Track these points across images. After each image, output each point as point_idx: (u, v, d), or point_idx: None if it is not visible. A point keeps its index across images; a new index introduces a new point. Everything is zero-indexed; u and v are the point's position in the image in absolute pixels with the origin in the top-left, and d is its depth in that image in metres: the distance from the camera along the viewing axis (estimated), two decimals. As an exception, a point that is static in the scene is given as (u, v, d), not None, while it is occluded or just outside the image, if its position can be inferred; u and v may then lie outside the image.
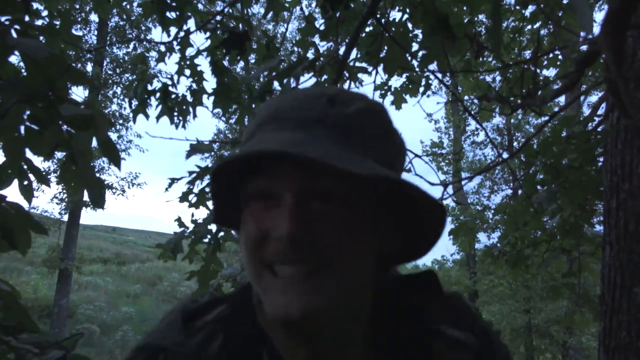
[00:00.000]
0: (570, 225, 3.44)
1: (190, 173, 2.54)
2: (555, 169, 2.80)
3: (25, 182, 1.63)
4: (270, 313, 0.55)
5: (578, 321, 4.55)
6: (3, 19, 1.59)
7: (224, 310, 0.65)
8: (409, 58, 2.37)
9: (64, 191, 14.04)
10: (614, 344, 2.18)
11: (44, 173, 1.69)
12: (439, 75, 2.86)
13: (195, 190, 2.62)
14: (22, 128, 1.45)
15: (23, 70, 1.48)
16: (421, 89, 3.26)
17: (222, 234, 2.55)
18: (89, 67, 13.17)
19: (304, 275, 0.53)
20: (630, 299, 2.13)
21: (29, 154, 1.55)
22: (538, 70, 3.68)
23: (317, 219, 0.54)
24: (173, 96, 2.99)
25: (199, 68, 3.00)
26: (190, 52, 2.98)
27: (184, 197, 2.63)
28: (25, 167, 1.59)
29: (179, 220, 2.65)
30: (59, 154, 1.76)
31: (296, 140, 0.54)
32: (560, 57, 3.71)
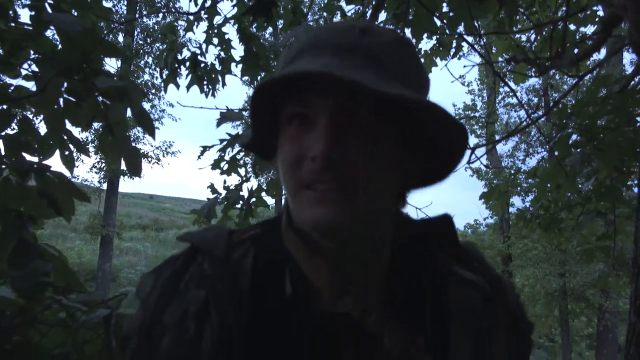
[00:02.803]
0: (606, 187, 3.37)
1: (221, 141, 2.59)
2: (590, 130, 2.73)
3: (66, 152, 1.71)
4: (303, 223, 0.61)
5: (613, 284, 4.50)
6: (38, -6, 1.63)
7: (256, 232, 0.72)
8: (437, 20, 2.32)
9: (103, 160, 14.48)
10: (645, 305, 2.16)
11: (82, 143, 1.77)
12: (469, 38, 2.79)
13: (227, 157, 2.68)
14: (61, 101, 1.52)
15: (58, 44, 1.54)
16: (452, 52, 3.20)
17: (253, 199, 2.61)
18: (120, 38, 13.32)
19: (336, 191, 0.58)
20: (663, 261, 2.10)
21: (68, 125, 1.63)
22: (576, 28, 3.53)
23: (350, 141, 0.59)
24: (202, 65, 3.02)
25: (226, 36, 3.01)
26: (217, 20, 2.99)
27: (215, 165, 2.69)
28: (65, 138, 1.67)
29: (211, 187, 2.73)
30: (96, 125, 1.84)
31: (335, 64, 0.57)
32: (599, 13, 3.55)
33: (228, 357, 0.60)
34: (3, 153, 1.59)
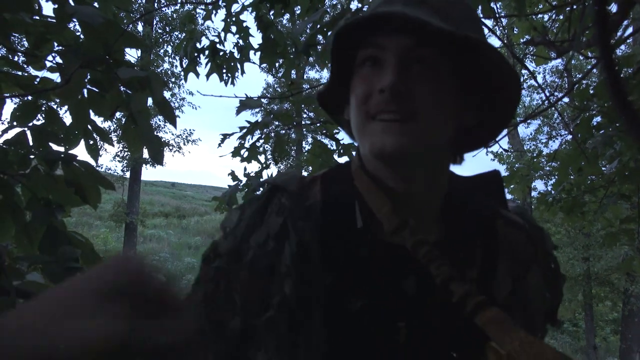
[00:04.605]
0: (629, 169, 3.31)
1: (241, 128, 2.62)
2: (612, 111, 2.68)
3: (91, 142, 1.76)
4: (369, 149, 0.69)
5: (637, 267, 4.43)
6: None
7: (328, 171, 0.82)
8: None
9: (125, 149, 14.72)
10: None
11: (106, 133, 1.82)
12: (488, 22, 2.75)
13: (247, 145, 2.72)
14: (85, 91, 1.56)
15: (81, 36, 1.57)
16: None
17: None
18: (140, 27, 13.43)
19: (400, 121, 0.66)
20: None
21: (92, 115, 1.67)
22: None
23: (415, 78, 0.67)
24: (221, 53, 3.04)
25: (244, 24, 3.03)
26: (235, 8, 3.01)
27: (236, 152, 2.73)
28: (90, 127, 1.71)
29: (232, 174, 2.77)
30: (118, 114, 1.88)
31: (407, 11, 0.65)
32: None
33: (305, 269, 0.68)
34: (31, 143, 1.65)
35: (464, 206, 0.76)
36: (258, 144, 2.78)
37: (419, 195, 0.73)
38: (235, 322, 0.71)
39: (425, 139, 0.67)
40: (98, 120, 2.50)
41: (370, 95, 0.69)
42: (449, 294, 0.65)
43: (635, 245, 4.12)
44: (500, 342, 0.60)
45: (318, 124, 3.06)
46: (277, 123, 2.84)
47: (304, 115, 3.42)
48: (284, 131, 2.96)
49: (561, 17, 3.56)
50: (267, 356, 0.67)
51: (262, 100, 3.02)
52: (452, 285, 0.65)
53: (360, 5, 2.53)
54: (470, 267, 0.72)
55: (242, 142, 2.67)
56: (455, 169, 0.81)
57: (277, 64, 2.99)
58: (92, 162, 1.71)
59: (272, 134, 2.81)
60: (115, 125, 13.38)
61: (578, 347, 13.35)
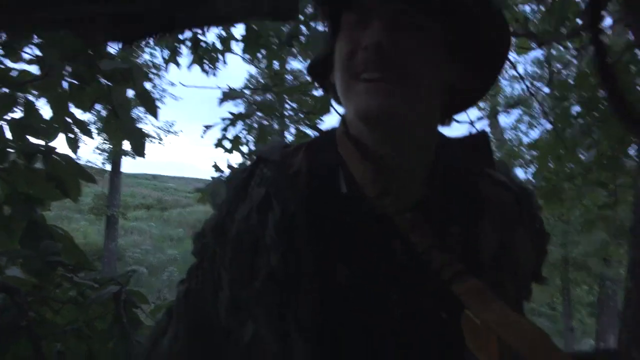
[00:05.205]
0: (607, 158, 3.38)
1: (224, 120, 2.61)
2: (591, 101, 2.73)
3: (71, 135, 1.73)
4: (354, 111, 0.68)
5: (612, 252, 4.55)
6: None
7: (313, 139, 0.81)
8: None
9: (106, 142, 14.49)
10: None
11: (86, 125, 1.79)
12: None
13: (229, 136, 2.70)
14: (66, 84, 1.53)
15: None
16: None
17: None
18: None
19: (385, 81, 0.64)
20: (661, 229, 2.13)
21: (72, 108, 1.65)
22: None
23: (401, 38, 0.65)
24: (203, 45, 3.01)
25: (226, 14, 2.98)
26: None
27: (219, 143, 2.72)
28: (69, 120, 1.69)
29: (215, 165, 2.75)
30: (98, 107, 1.85)
31: None
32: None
33: (290, 240, 0.67)
34: (9, 137, 1.62)
35: (450, 166, 0.75)
36: (241, 135, 2.76)
37: (405, 159, 0.72)
38: (224, 295, 0.71)
39: (412, 100, 0.66)
40: (77, 113, 2.46)
41: (354, 52, 0.67)
42: (431, 265, 0.65)
43: (611, 231, 4.22)
44: (476, 311, 0.61)
45: (302, 115, 3.06)
46: (259, 114, 2.83)
47: (287, 106, 3.41)
48: (267, 122, 2.95)
49: (542, 8, 3.60)
50: (256, 328, 0.68)
51: (245, 91, 3.01)
52: (432, 253, 0.66)
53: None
54: (453, 225, 0.71)
55: (225, 133, 2.65)
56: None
57: (259, 55, 2.96)
58: (71, 155, 1.68)
59: (255, 125, 2.80)
60: (95, 118, 13.16)
61: (556, 329, 13.63)
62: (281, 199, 0.70)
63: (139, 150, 1.63)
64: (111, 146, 13.90)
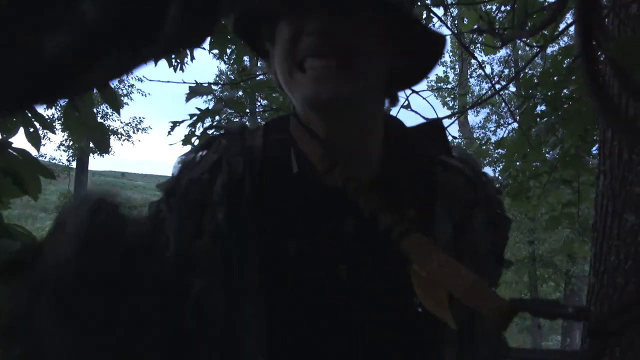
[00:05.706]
0: (570, 156, 3.46)
1: (192, 116, 2.57)
2: (555, 100, 2.79)
3: (31, 130, 1.67)
4: (301, 100, 0.68)
5: (578, 249, 4.67)
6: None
7: (270, 120, 0.84)
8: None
9: (70, 138, 14.13)
10: (604, 268, 2.26)
11: (48, 121, 1.73)
12: (438, 11, 2.80)
13: (198, 132, 2.66)
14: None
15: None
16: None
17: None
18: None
19: (334, 67, 0.64)
20: (621, 225, 2.19)
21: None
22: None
23: (343, 21, 0.65)
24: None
25: (194, 8, 2.94)
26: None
27: (187, 140, 2.68)
28: (29, 114, 1.63)
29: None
30: (62, 101, 1.79)
31: None
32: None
33: (236, 200, 0.69)
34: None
35: (404, 151, 0.77)
36: (209, 132, 2.73)
37: (353, 140, 0.73)
38: (171, 250, 0.71)
39: (360, 83, 0.66)
40: (40, 108, 2.38)
41: (297, 37, 0.66)
42: (379, 227, 0.67)
43: (575, 228, 4.33)
44: (421, 264, 0.64)
45: (272, 111, 3.03)
46: (229, 111, 2.80)
47: (257, 103, 3.38)
48: (237, 119, 2.92)
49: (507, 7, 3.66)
50: (204, 283, 0.68)
51: (214, 87, 2.97)
52: (379, 216, 0.67)
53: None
54: (408, 208, 0.72)
55: (193, 129, 2.61)
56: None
57: (228, 50, 2.93)
58: (33, 151, 1.63)
59: (224, 122, 2.77)
60: (60, 113, 12.82)
61: (524, 326, 13.96)
62: (232, 163, 0.72)
63: (101, 146, 1.58)
64: (73, 142, 13.58)
